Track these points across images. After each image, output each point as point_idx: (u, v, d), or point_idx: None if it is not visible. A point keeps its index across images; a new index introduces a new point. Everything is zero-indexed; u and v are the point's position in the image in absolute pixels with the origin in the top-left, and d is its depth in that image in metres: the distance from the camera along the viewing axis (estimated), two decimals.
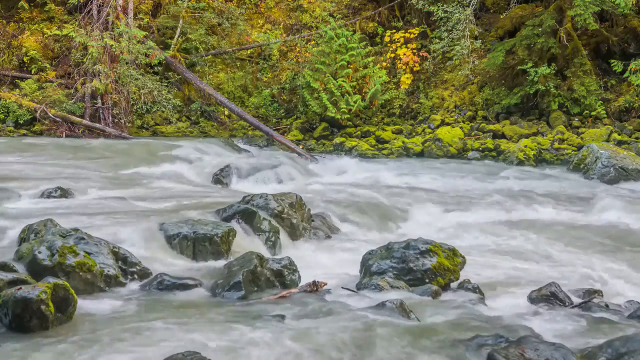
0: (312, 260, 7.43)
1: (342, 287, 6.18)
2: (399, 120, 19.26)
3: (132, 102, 18.79)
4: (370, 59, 19.21)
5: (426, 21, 20.31)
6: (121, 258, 6.25)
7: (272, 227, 7.64)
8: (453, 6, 18.66)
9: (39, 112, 18.01)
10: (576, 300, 6.07)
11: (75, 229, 6.40)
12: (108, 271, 5.97)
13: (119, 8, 19.12)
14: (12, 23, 20.96)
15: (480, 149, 17.04)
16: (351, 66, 18.64)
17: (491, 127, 17.76)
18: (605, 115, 17.60)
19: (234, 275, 5.92)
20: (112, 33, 18.56)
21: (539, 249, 8.24)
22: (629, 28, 18.54)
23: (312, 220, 8.55)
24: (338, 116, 18.36)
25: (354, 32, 19.68)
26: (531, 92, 17.57)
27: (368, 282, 6.22)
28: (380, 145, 17.84)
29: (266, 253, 7.11)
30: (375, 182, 13.04)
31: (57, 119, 18.02)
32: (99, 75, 18.32)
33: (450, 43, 18.58)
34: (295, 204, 8.30)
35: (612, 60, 17.56)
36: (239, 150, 16.60)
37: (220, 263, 6.60)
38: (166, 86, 19.30)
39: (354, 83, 18.76)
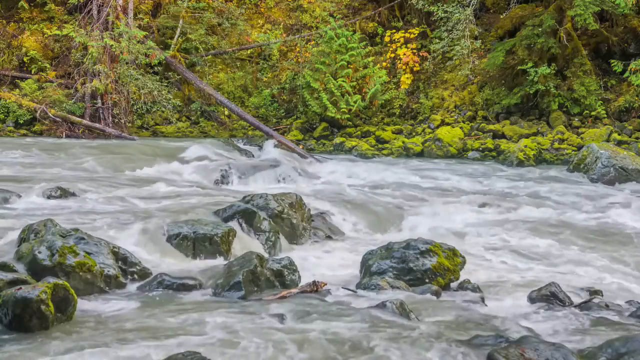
0: (312, 260, 7.43)
1: (342, 287, 6.18)
2: (399, 120, 19.26)
3: (132, 102, 18.79)
4: (370, 59, 19.22)
5: (426, 21, 20.30)
6: (121, 258, 6.26)
7: (272, 227, 7.65)
8: (453, 6, 18.65)
9: (39, 112, 18.01)
10: (576, 300, 6.08)
11: (75, 229, 6.40)
12: (108, 271, 5.97)
13: (119, 8, 19.11)
14: (12, 23, 20.96)
15: (480, 149, 17.04)
16: (351, 66, 18.64)
17: (491, 127, 17.77)
18: (605, 115, 17.60)
19: (234, 275, 5.92)
20: (112, 33, 18.56)
21: (539, 248, 8.24)
22: (629, 28, 18.54)
23: (312, 220, 8.55)
24: (338, 116, 18.36)
25: (354, 32, 19.67)
26: (531, 92, 17.58)
27: (368, 282, 6.22)
28: (380, 145, 17.85)
29: (266, 253, 7.12)
30: (375, 182, 13.04)
31: (57, 119, 18.02)
32: (99, 75, 18.32)
33: (450, 43, 18.58)
34: (295, 204, 8.30)
35: (612, 60, 17.56)
36: (239, 150, 16.59)
37: (220, 263, 6.60)
38: (166, 86, 19.30)
39: (354, 83, 18.76)
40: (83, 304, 5.38)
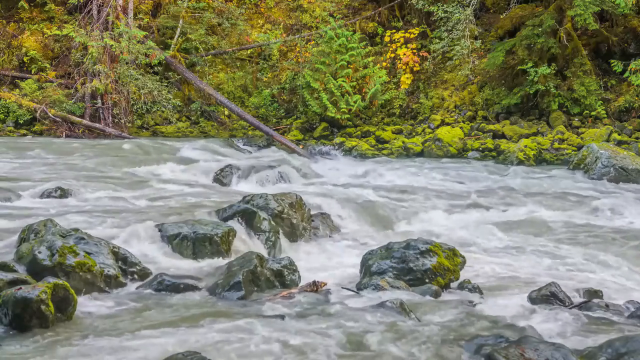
0: (312, 260, 7.43)
1: (342, 287, 6.18)
2: (399, 120, 19.25)
3: (132, 102, 18.79)
4: (370, 59, 19.21)
5: (426, 21, 20.30)
6: (121, 258, 6.26)
7: (272, 227, 7.64)
8: (453, 6, 18.65)
9: (39, 112, 18.01)
10: (576, 300, 6.07)
11: (75, 229, 6.40)
12: (108, 271, 5.97)
13: (119, 8, 19.11)
14: (12, 23, 20.96)
15: (480, 149, 17.04)
16: (351, 66, 18.64)
17: (491, 127, 17.76)
18: (605, 115, 17.60)
19: (234, 275, 5.92)
20: (112, 33, 18.56)
21: (539, 248, 8.24)
22: (629, 28, 18.54)
23: (312, 220, 8.55)
24: (338, 116, 18.36)
25: (354, 32, 19.67)
26: (531, 92, 17.57)
27: (368, 282, 6.22)
28: (380, 145, 17.84)
29: (266, 253, 7.11)
30: (375, 182, 13.05)
31: (57, 119, 18.03)
32: (99, 75, 18.32)
33: (450, 43, 18.58)
34: (295, 204, 8.30)
35: (612, 60, 17.56)
36: (239, 150, 16.59)
37: (220, 263, 6.60)
38: (166, 86, 19.30)
39: (354, 83, 18.76)
40: (83, 304, 5.37)
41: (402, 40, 19.85)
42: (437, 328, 5.06)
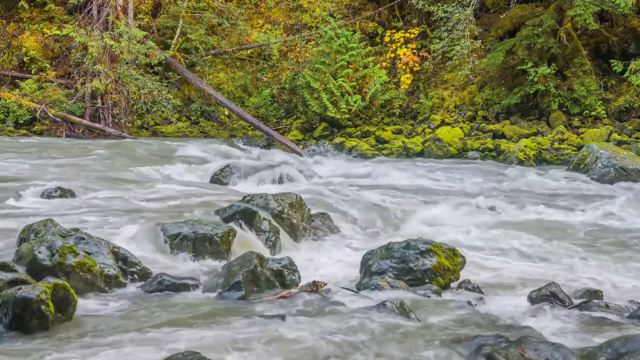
0: (312, 260, 7.44)
1: (342, 287, 6.18)
2: (399, 120, 19.25)
3: (132, 102, 18.79)
4: (370, 59, 19.21)
5: (426, 21, 20.30)
6: (121, 258, 6.26)
7: (272, 227, 7.64)
8: (453, 6, 18.65)
9: (39, 112, 18.01)
10: (576, 300, 6.08)
11: (75, 229, 6.40)
12: (108, 271, 5.98)
13: (119, 8, 19.11)
14: (12, 23, 20.96)
15: (480, 149, 17.03)
16: (351, 66, 18.64)
17: (491, 127, 17.76)
18: (605, 115, 17.60)
19: (234, 275, 5.92)
20: (112, 33, 18.56)
21: (539, 249, 8.25)
22: (629, 28, 18.54)
23: (312, 220, 8.55)
24: (338, 116, 18.36)
25: (354, 32, 19.67)
26: (531, 92, 17.57)
27: (368, 282, 6.22)
28: (380, 145, 17.84)
29: (266, 253, 7.11)
30: (375, 182, 13.05)
31: (57, 119, 18.03)
32: (99, 75, 18.32)
33: (450, 43, 18.57)
34: (295, 204, 8.30)
35: (612, 60, 17.56)
36: (239, 150, 16.59)
37: (220, 263, 6.61)
38: (166, 86, 19.29)
39: (354, 83, 18.75)
40: (83, 304, 5.38)
41: (402, 40, 19.84)
42: (437, 328, 5.07)
